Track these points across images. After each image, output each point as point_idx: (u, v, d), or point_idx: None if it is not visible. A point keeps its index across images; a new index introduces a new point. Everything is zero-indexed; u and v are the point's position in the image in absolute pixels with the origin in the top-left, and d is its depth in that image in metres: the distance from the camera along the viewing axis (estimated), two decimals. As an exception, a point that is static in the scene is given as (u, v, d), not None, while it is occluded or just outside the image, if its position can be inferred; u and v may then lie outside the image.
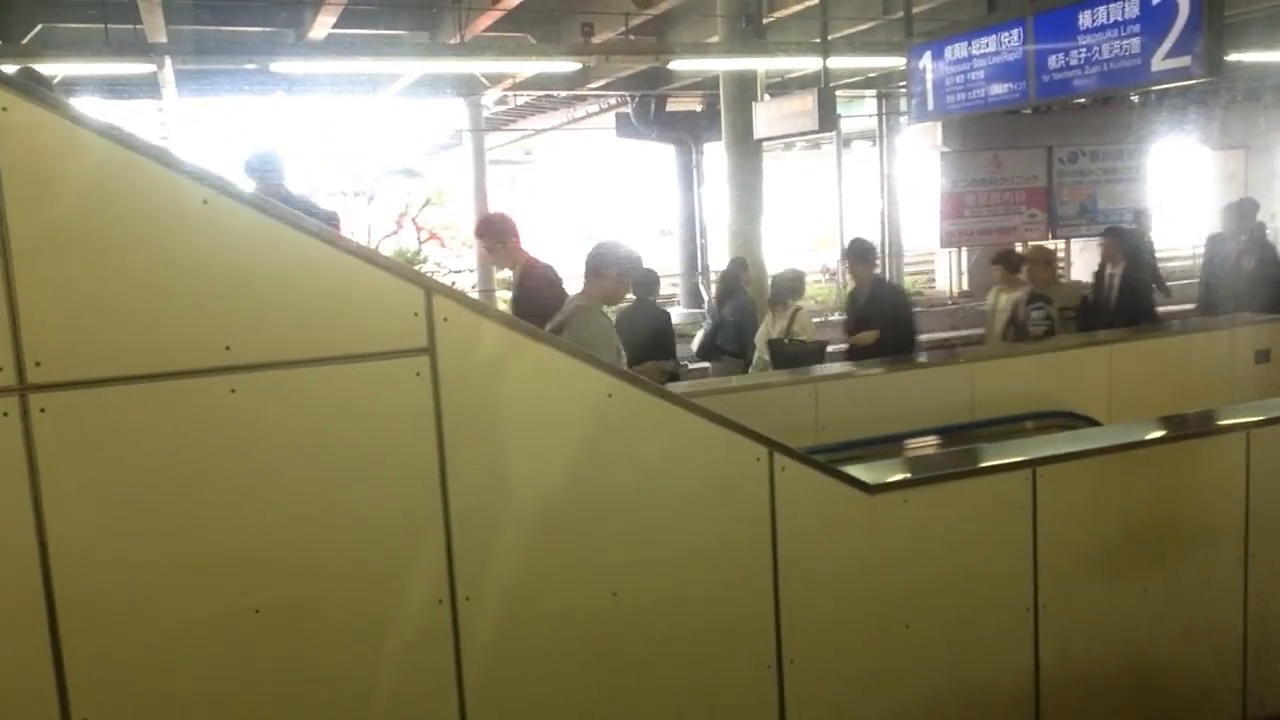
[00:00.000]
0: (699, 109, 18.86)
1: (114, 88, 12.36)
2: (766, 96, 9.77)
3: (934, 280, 20.35)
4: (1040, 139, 17.47)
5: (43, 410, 1.96)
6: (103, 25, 9.63)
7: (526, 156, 27.08)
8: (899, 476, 2.92)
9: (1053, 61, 4.92)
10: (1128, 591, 3.18)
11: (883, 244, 18.30)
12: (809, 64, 10.25)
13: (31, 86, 1.91)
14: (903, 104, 18.76)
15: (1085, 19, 4.70)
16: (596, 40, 12.37)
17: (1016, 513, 2.98)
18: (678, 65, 8.86)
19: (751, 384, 5.24)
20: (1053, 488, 3.00)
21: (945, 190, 17.38)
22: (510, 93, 17.01)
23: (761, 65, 9.28)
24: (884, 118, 18.25)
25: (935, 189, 17.60)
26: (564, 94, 17.50)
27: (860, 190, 20.96)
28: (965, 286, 18.33)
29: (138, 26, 9.87)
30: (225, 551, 2.16)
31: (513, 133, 22.33)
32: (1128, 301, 5.84)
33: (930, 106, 5.80)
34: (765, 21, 10.14)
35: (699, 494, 2.62)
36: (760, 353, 6.76)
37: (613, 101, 18.47)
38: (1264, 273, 6.71)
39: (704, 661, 2.67)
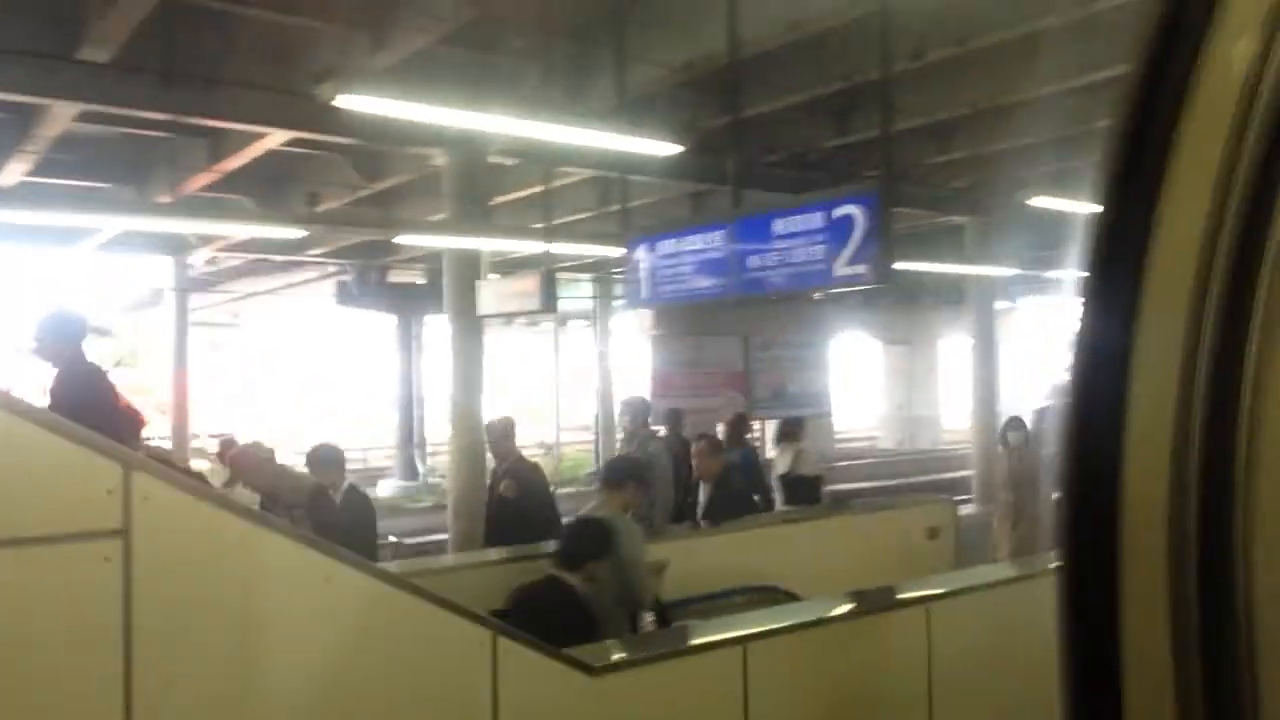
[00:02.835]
0: (420, 281, 19.01)
1: None
2: (491, 275, 10.04)
3: (646, 456, 21.11)
4: (737, 328, 19.02)
5: None
6: None
7: (234, 319, 25.87)
8: (620, 656, 2.95)
9: (751, 261, 5.45)
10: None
11: (596, 421, 18.88)
12: (530, 246, 10.70)
13: None
14: (617, 288, 19.93)
15: (779, 226, 5.27)
16: (320, 209, 12.29)
17: (729, 686, 3.08)
18: (405, 239, 8.97)
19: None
20: (762, 661, 3.14)
21: (655, 370, 18.40)
22: (221, 253, 16.39)
23: (487, 245, 9.56)
24: (598, 300, 19.19)
25: (647, 368, 18.60)
26: (281, 259, 17.08)
27: (577, 366, 21.71)
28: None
29: None
30: None
31: (220, 294, 21.35)
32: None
33: (644, 294, 6.20)
34: (491, 204, 10.53)
35: (420, 676, 2.51)
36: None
37: (331, 269, 18.24)
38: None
39: None
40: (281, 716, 2.30)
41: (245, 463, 5.95)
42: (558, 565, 3.66)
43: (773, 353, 19.39)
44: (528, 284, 7.88)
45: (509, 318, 16.18)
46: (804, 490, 7.65)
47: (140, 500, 2.09)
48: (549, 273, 8.01)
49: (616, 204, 13.00)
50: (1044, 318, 24.20)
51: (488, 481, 6.92)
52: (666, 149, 5.67)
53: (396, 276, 18.58)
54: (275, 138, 9.82)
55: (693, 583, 4.92)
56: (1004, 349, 14.97)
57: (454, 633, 2.55)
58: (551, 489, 7.37)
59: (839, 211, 4.99)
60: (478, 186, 9.82)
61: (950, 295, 21.53)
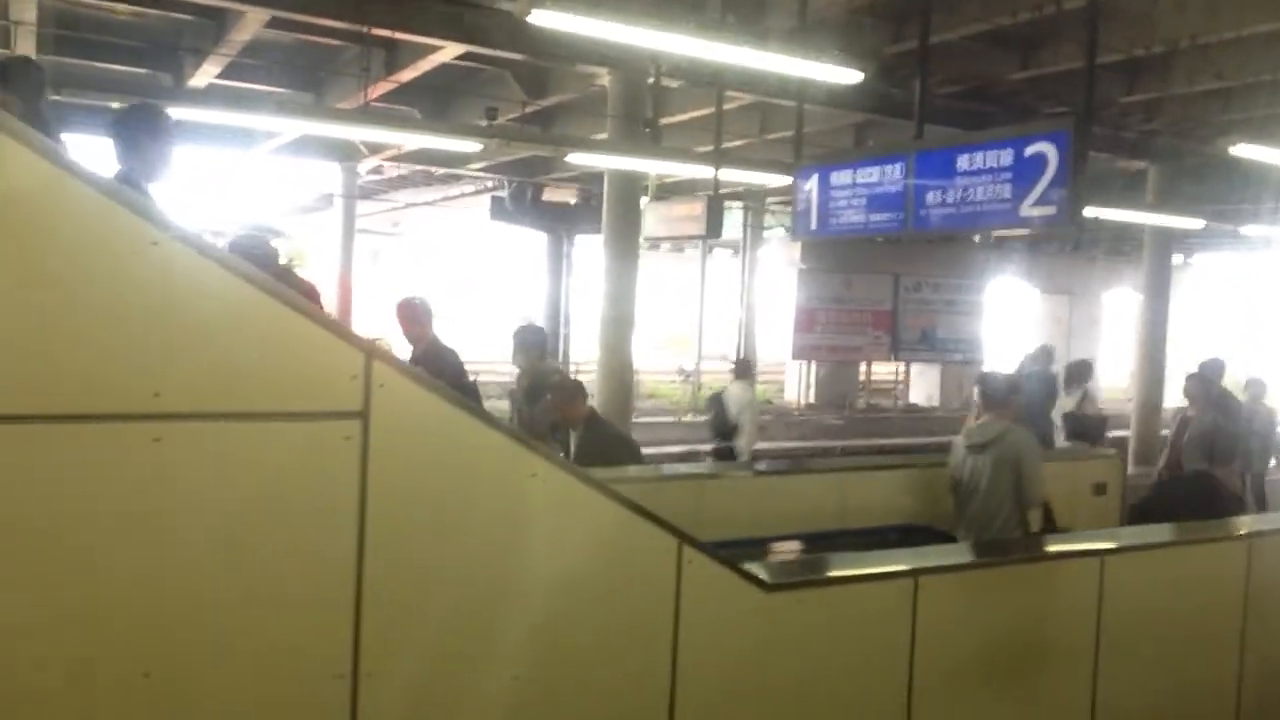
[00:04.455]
0: (573, 201, 19.23)
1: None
2: (644, 199, 10.09)
3: (782, 390, 21.05)
4: (889, 266, 18.57)
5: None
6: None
7: (394, 228, 26.80)
8: (795, 577, 3.01)
9: (930, 196, 5.31)
10: (990, 699, 3.34)
11: (738, 352, 18.86)
12: (687, 171, 10.66)
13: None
14: (767, 218, 19.70)
15: (963, 161, 5.11)
16: (484, 124, 12.53)
17: (898, 615, 3.12)
18: (576, 158, 9.05)
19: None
20: (932, 595, 3.16)
21: (800, 305, 18.19)
22: (386, 162, 16.94)
23: (655, 168, 9.59)
24: (749, 229, 19.03)
25: (789, 303, 18.42)
26: (441, 171, 17.53)
27: (717, 297, 21.68)
28: (813, 399, 19.05)
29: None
30: (124, 608, 2.04)
31: (383, 203, 22.11)
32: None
33: (812, 224, 6.13)
34: (654, 126, 10.54)
35: (609, 580, 2.63)
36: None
37: (489, 184, 18.63)
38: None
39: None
40: (486, 601, 2.45)
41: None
42: None
43: (923, 294, 18.92)
44: (694, 209, 7.88)
45: (672, 242, 16.25)
46: (1088, 429, 7.75)
47: (378, 386, 2.25)
48: (716, 198, 7.99)
49: (776, 131, 12.86)
50: (1222, 275, 22.76)
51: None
52: (846, 76, 5.54)
53: (550, 195, 18.83)
54: (450, 50, 10.02)
55: (850, 517, 4.96)
56: (1175, 306, 14.17)
57: (645, 537, 2.66)
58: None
59: (1030, 149, 4.80)
60: (644, 107, 9.84)
61: (1117, 245, 20.47)
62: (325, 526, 2.24)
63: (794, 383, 19.88)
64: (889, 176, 5.54)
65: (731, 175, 9.45)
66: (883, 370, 20.79)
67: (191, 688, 2.11)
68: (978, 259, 19.44)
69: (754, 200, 18.00)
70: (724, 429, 8.57)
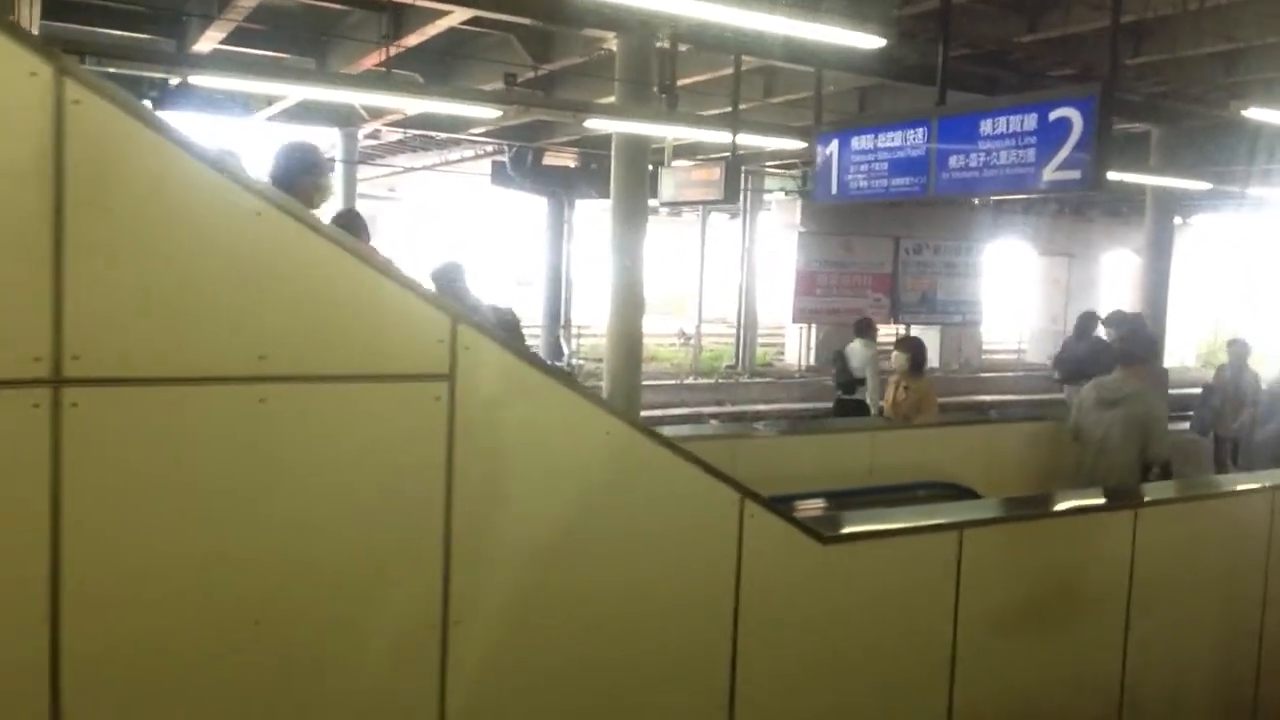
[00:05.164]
0: (572, 165, 19.20)
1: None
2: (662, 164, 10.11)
3: (783, 353, 21.18)
4: (888, 229, 18.62)
5: (74, 405, 1.91)
6: (-29, 10, 9.06)
7: (390, 193, 26.71)
8: (849, 529, 3.13)
9: (953, 161, 5.38)
10: (1028, 646, 3.48)
11: (739, 315, 18.95)
12: (695, 134, 10.68)
13: (103, 82, 1.88)
14: (768, 181, 19.70)
15: (986, 126, 5.18)
16: (486, 89, 12.49)
17: (944, 566, 3.24)
18: (593, 124, 9.06)
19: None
20: (975, 547, 3.27)
21: (800, 268, 18.26)
22: (385, 127, 16.87)
23: (672, 133, 9.61)
24: (749, 193, 19.03)
25: (789, 266, 18.48)
26: (442, 136, 17.47)
27: (714, 260, 21.72)
28: (813, 361, 19.18)
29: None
30: (232, 560, 2.13)
31: (380, 167, 22.04)
32: None
33: (833, 189, 6.20)
34: (657, 89, 10.54)
35: (676, 533, 2.74)
36: None
37: (489, 149, 18.58)
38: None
39: (664, 696, 2.77)
40: (563, 553, 2.55)
41: None
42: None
43: (924, 257, 19.00)
44: (711, 173, 7.93)
45: (690, 207, 16.25)
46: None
47: (463, 349, 2.34)
48: (734, 163, 8.03)
49: (780, 95, 12.87)
50: (1220, 236, 22.88)
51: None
52: (867, 41, 5.58)
53: (550, 159, 18.80)
54: (458, 15, 9.98)
55: (877, 474, 5.08)
56: (1174, 267, 14.29)
57: (709, 491, 2.76)
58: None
59: (1055, 114, 4.87)
60: (652, 72, 9.84)
61: (1115, 207, 20.56)
62: (414, 484, 2.33)
63: (794, 345, 20.00)
64: (911, 141, 5.60)
65: (750, 140, 9.49)
66: (882, 332, 20.90)
67: (295, 635, 2.22)
68: (977, 221, 19.51)
69: (754, 163, 17.99)
70: (848, 383, 9.23)
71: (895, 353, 7.16)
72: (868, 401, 9.04)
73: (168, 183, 1.96)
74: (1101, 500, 3.85)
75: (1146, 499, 3.77)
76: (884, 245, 18.74)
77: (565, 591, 2.58)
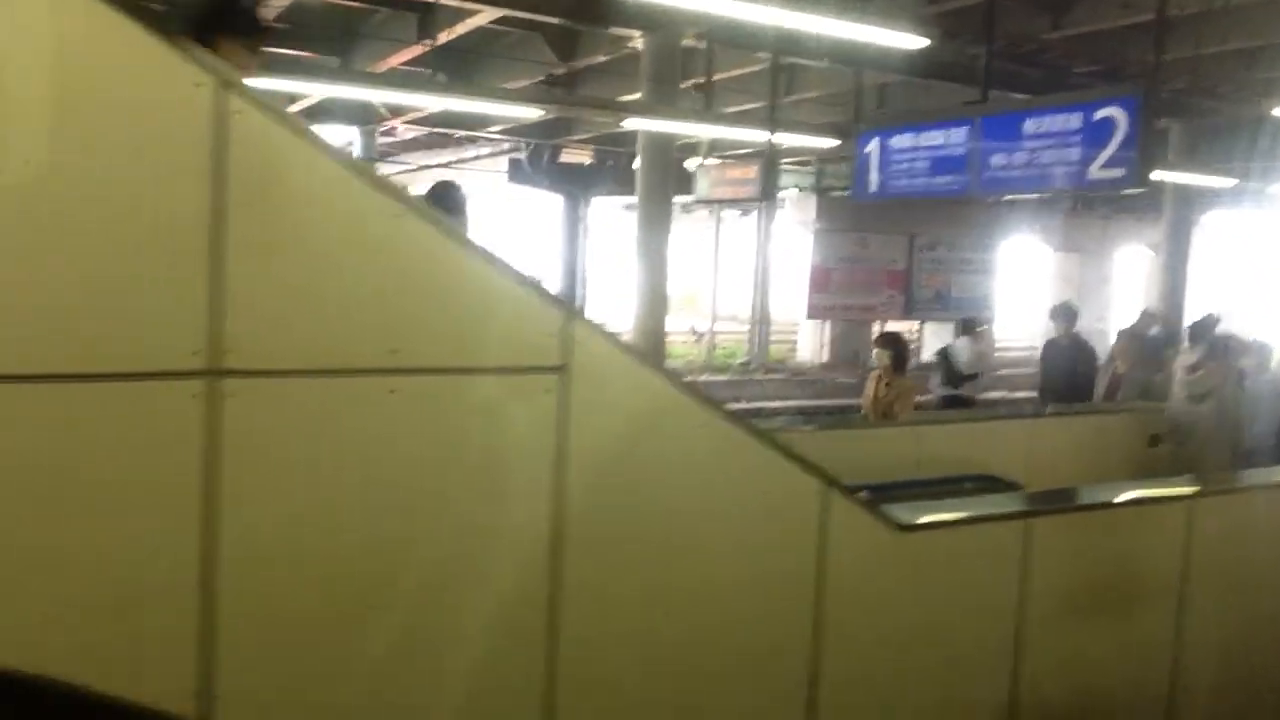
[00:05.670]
0: (588, 162, 19.30)
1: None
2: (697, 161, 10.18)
3: (794, 350, 21.25)
4: (904, 226, 18.67)
5: (231, 396, 2.01)
6: None
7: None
8: (926, 519, 3.23)
9: (995, 159, 5.48)
10: (1088, 628, 3.59)
11: (754, 311, 19.03)
12: (730, 132, 10.73)
13: (260, 94, 1.99)
14: (784, 179, 19.76)
15: (1030, 125, 5.28)
16: (509, 87, 12.59)
17: (1011, 554, 3.34)
18: (631, 123, 9.14)
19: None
20: (1041, 537, 3.38)
21: (815, 264, 18.32)
22: (405, 125, 16.98)
23: (707, 132, 9.71)
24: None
25: (801, 262, 18.54)
26: (460, 134, 17.59)
27: (725, 258, 21.80)
28: (827, 358, 19.25)
29: None
30: (364, 546, 2.24)
31: (396, 164, 22.13)
32: None
33: (873, 187, 6.30)
34: (681, 87, 10.64)
35: (765, 520, 2.84)
36: None
37: (504, 147, 18.68)
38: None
39: (753, 669, 2.88)
40: (666, 536, 2.66)
41: None
42: None
43: (938, 253, 19.06)
44: (746, 172, 8.03)
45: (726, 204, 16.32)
46: None
47: (575, 342, 2.44)
48: (771, 161, 8.13)
49: (802, 93, 12.95)
50: (1235, 233, 22.93)
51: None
52: (912, 41, 5.68)
53: (566, 157, 18.89)
54: (487, 14, 10.08)
55: (923, 467, 5.18)
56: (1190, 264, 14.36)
57: (795, 480, 2.87)
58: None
59: (1100, 113, 4.97)
60: (677, 70, 9.94)
61: (1129, 203, 20.62)
62: (528, 472, 2.44)
63: (807, 342, 20.07)
64: (953, 139, 5.70)
65: (786, 139, 9.58)
66: (897, 329, 20.97)
67: (420, 614, 2.33)
68: (990, 218, 19.55)
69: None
70: (953, 379, 9.32)
71: (876, 350, 7.21)
72: (974, 395, 9.21)
73: (316, 186, 2.07)
74: (1159, 491, 3.95)
75: (1202, 489, 3.87)
76: (899, 242, 18.79)
77: (664, 573, 2.68)
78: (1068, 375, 7.85)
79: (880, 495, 5.04)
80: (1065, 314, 8.46)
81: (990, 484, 5.18)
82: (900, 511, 3.19)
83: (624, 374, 2.56)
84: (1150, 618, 3.75)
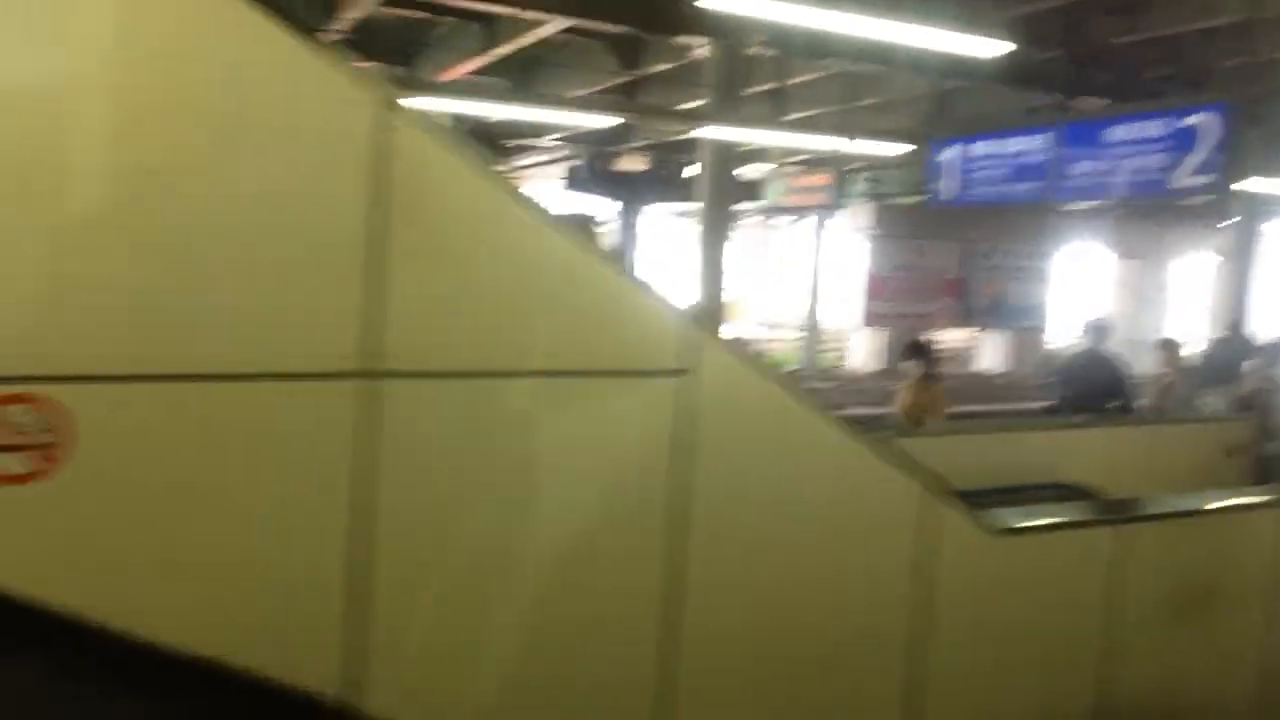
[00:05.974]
0: (641, 169, 19.42)
1: None
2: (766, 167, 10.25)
3: (843, 358, 21.15)
4: (960, 233, 18.56)
5: (390, 396, 2.14)
6: None
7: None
8: (1019, 523, 3.29)
9: (1078, 167, 5.50)
10: (1173, 635, 3.62)
11: (809, 319, 18.99)
12: (780, 139, 10.78)
13: (418, 110, 2.12)
14: (848, 186, 19.72)
15: (1114, 133, 5.29)
16: (569, 95, 12.75)
17: (1100, 561, 3.39)
18: (702, 132, 9.23)
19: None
20: (1126, 544, 3.43)
21: (871, 272, 18.28)
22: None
23: (780, 140, 9.78)
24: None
25: (855, 270, 18.49)
26: (514, 142, 17.81)
27: (775, 265, 21.78)
28: (880, 365, 19.16)
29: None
30: (504, 549, 2.36)
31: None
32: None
33: (950, 194, 6.33)
34: (743, 95, 10.71)
35: (867, 523, 2.93)
36: None
37: (560, 154, 18.87)
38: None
39: (851, 674, 2.97)
40: (778, 532, 2.76)
41: None
42: None
43: (994, 260, 18.94)
44: (819, 179, 8.08)
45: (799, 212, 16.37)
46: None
47: (696, 348, 2.54)
48: (844, 170, 8.17)
49: (866, 99, 12.96)
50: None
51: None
52: (995, 48, 5.68)
53: (622, 165, 19.04)
54: (554, 25, 10.23)
55: (1002, 475, 5.20)
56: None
57: (897, 483, 2.95)
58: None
59: (1187, 120, 4.97)
60: (743, 78, 10.02)
61: (1188, 210, 20.29)
62: (651, 472, 2.54)
63: (860, 350, 20.00)
64: (1034, 147, 5.72)
65: (860, 147, 9.63)
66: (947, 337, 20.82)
67: (556, 609, 2.45)
68: (1047, 225, 19.38)
69: (830, 168, 18.08)
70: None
71: (903, 362, 7.16)
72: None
73: (468, 198, 2.20)
74: (1250, 498, 3.97)
75: (1293, 497, 3.88)
76: (954, 249, 18.69)
77: (777, 573, 2.77)
78: (1080, 389, 7.76)
79: (967, 501, 5.12)
80: (1094, 330, 8.41)
81: (1070, 492, 5.20)
82: (995, 516, 3.25)
83: (741, 378, 2.66)
84: (1239, 626, 3.77)
